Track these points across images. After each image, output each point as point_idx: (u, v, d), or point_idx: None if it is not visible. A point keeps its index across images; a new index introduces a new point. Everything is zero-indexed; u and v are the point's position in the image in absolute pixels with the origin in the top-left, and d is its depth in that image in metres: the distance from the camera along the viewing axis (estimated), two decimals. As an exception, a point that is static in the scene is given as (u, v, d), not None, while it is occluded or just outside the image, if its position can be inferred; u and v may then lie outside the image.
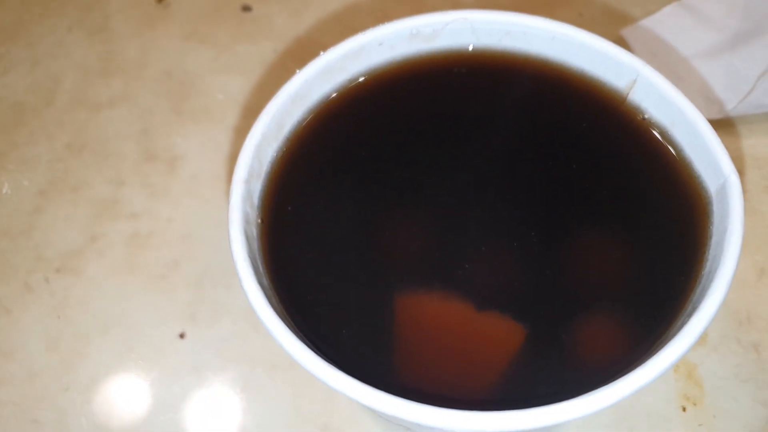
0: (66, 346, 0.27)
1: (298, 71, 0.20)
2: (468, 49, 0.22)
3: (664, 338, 0.17)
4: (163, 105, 0.34)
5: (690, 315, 0.16)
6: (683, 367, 0.25)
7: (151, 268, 0.29)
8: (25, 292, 0.29)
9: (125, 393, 0.26)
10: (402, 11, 0.36)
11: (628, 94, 0.20)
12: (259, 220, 0.19)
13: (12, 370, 0.27)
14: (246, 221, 0.17)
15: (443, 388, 0.17)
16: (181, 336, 0.27)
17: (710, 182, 0.18)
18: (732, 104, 0.29)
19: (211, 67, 0.35)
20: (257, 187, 0.19)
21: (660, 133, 0.20)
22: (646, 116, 0.20)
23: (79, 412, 0.26)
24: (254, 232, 0.18)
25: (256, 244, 0.18)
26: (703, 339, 0.25)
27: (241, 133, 0.33)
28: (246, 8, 0.38)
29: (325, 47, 0.35)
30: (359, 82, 0.21)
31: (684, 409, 0.24)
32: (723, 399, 0.24)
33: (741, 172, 0.29)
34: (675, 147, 0.20)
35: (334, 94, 0.21)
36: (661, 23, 0.32)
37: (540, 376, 0.17)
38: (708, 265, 0.17)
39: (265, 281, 0.17)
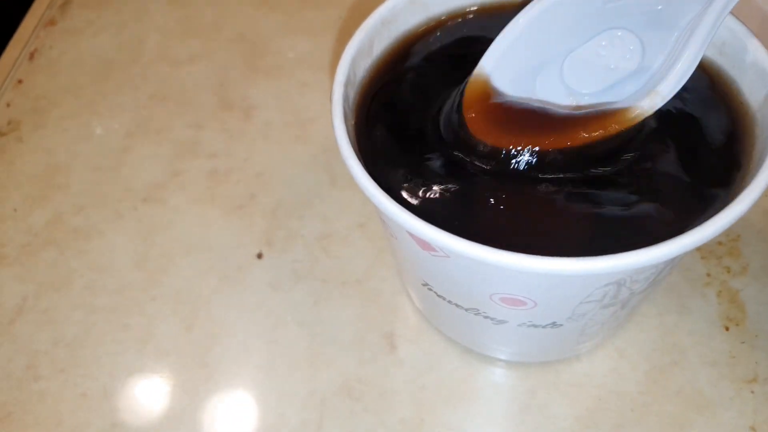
0: (152, 264, 0.30)
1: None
2: None
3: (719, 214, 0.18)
4: (238, 62, 0.37)
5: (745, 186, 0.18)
6: (726, 293, 0.27)
7: (229, 199, 0.32)
8: (116, 217, 0.32)
9: (207, 303, 0.29)
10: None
11: None
12: (352, 121, 0.21)
13: (105, 282, 0.30)
14: (346, 117, 0.20)
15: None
16: (259, 256, 0.30)
17: (758, 92, 0.20)
18: None
19: (281, 31, 0.39)
20: (351, 93, 0.22)
21: (713, 55, 0.22)
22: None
23: (165, 319, 0.28)
24: (350, 127, 0.21)
25: (352, 138, 0.20)
26: (744, 268, 0.27)
27: (309, 86, 0.36)
28: (312, -19, 0.41)
29: (385, 15, 0.39)
30: (442, 19, 0.24)
31: (727, 329, 0.26)
32: (764, 322, 0.26)
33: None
34: (723, 66, 0.22)
35: (417, 26, 0.24)
36: None
37: (605, 249, 0.18)
38: (757, 160, 0.19)
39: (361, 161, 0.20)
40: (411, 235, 0.18)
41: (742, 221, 0.29)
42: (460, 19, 0.25)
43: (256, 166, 0.33)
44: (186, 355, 0.27)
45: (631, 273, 0.18)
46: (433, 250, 0.18)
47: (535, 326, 0.21)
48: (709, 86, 0.22)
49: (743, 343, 0.25)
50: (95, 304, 0.29)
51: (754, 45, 0.20)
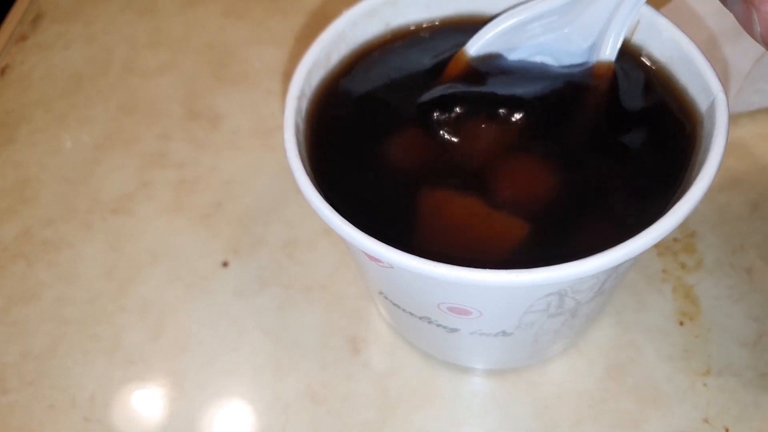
0: (121, 274, 0.31)
1: (344, 11, 0.23)
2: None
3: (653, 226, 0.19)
4: (206, 72, 0.38)
5: (680, 198, 0.18)
6: (680, 288, 0.27)
7: (196, 208, 0.32)
8: (85, 229, 0.32)
9: (173, 311, 0.29)
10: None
11: (632, 35, 0.23)
12: (307, 133, 0.22)
13: (74, 294, 0.30)
14: (297, 130, 0.21)
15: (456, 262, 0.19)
16: (224, 264, 0.30)
17: (702, 102, 0.21)
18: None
19: (248, 40, 0.39)
20: (305, 105, 0.22)
21: (659, 67, 0.23)
22: (644, 54, 0.23)
23: (133, 328, 0.29)
24: (302, 141, 0.21)
25: (304, 150, 0.21)
26: (698, 263, 0.28)
27: (275, 95, 0.36)
28: (279, -11, 0.42)
29: (351, 21, 0.39)
30: (397, 30, 0.24)
31: (681, 324, 0.26)
32: (718, 315, 0.26)
33: (737, 124, 0.32)
34: (673, 77, 0.22)
35: (375, 38, 0.24)
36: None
37: (547, 258, 0.19)
38: (698, 167, 0.19)
39: (311, 178, 0.20)
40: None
41: (698, 217, 0.29)
42: (419, 32, 0.25)
43: (223, 175, 0.33)
44: (153, 364, 0.28)
45: (566, 285, 0.18)
46: (378, 260, 0.19)
47: (486, 335, 0.21)
48: (660, 93, 0.22)
49: (697, 337, 0.26)
50: (64, 316, 0.29)
51: (698, 58, 0.21)
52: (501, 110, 0.22)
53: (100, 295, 0.30)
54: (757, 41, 0.17)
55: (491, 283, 0.17)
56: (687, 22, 0.33)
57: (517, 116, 0.22)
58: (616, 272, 0.20)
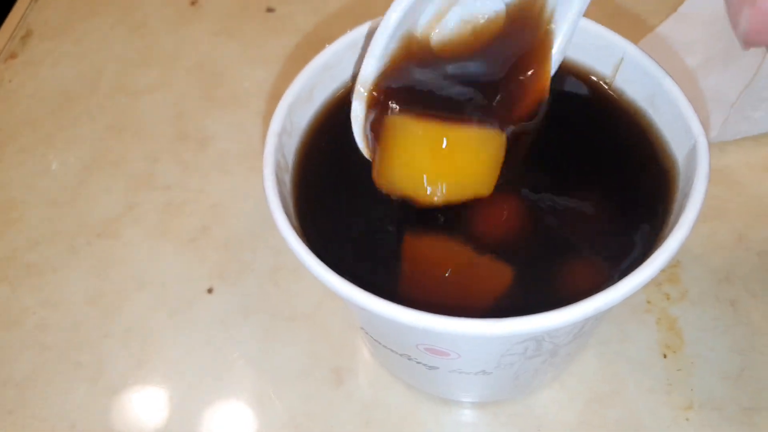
0: (105, 300, 0.30)
1: (327, 45, 0.23)
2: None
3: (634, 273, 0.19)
4: (195, 92, 0.38)
5: (659, 247, 0.18)
6: (665, 320, 0.27)
7: (182, 233, 0.32)
8: (70, 253, 0.32)
9: (157, 339, 0.29)
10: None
11: (616, 74, 0.23)
12: (290, 169, 0.21)
13: (57, 319, 0.30)
14: (278, 167, 0.20)
15: (441, 311, 0.19)
16: (209, 291, 0.30)
17: (683, 145, 0.21)
18: (714, 131, 0.31)
19: (238, 60, 0.39)
20: (289, 141, 0.22)
21: (641, 108, 0.23)
22: (628, 93, 0.23)
23: (116, 356, 0.28)
24: (285, 178, 0.21)
25: (287, 188, 0.21)
26: (683, 294, 0.28)
27: (265, 117, 0.36)
28: (270, 9, 0.41)
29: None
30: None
31: (665, 356, 0.26)
32: (701, 348, 0.26)
33: (724, 152, 0.32)
34: (653, 119, 0.22)
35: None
36: (649, 44, 0.34)
37: (527, 304, 0.19)
38: (677, 214, 0.19)
39: (292, 215, 0.20)
40: None
41: (682, 247, 0.29)
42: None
43: (210, 198, 0.33)
44: (136, 392, 0.27)
45: (539, 334, 0.18)
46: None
47: (466, 373, 0.21)
48: (641, 135, 0.22)
49: (680, 370, 0.26)
50: (46, 342, 0.29)
51: (680, 100, 0.21)
52: None
53: (84, 321, 0.30)
54: (738, 38, 0.16)
55: (462, 333, 0.17)
56: (665, 54, 0.33)
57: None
58: (595, 317, 0.20)
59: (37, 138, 0.37)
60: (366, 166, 0.22)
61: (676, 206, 0.20)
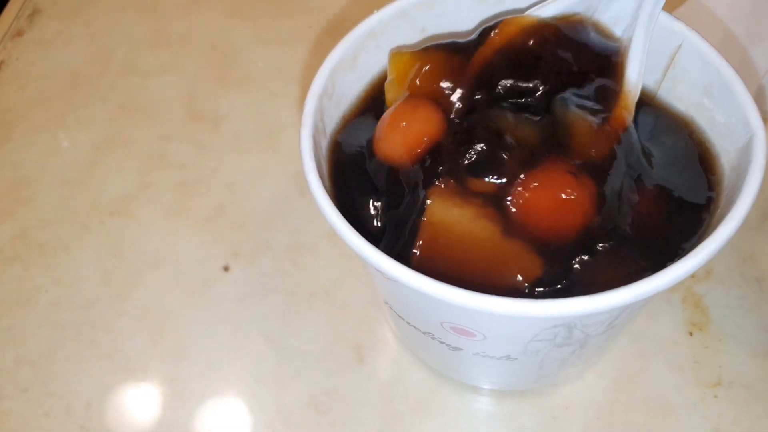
0: (119, 279, 0.30)
1: (375, 11, 0.22)
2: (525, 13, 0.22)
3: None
4: (208, 73, 0.37)
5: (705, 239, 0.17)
6: (690, 298, 0.27)
7: (197, 211, 0.32)
8: (83, 232, 0.31)
9: (174, 318, 0.28)
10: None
11: (674, 57, 0.22)
12: (328, 135, 0.21)
13: (72, 298, 0.29)
14: (316, 130, 0.20)
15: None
16: (225, 269, 0.30)
17: (738, 136, 0.20)
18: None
19: (251, 41, 0.38)
20: (329, 105, 0.21)
21: (694, 99, 0.21)
22: (683, 81, 0.22)
23: (132, 335, 0.28)
24: (322, 142, 0.20)
25: (322, 153, 0.20)
26: (708, 272, 0.27)
27: (279, 96, 0.36)
28: (283, -10, 0.41)
29: (355, 23, 0.39)
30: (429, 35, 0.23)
31: (691, 334, 0.26)
32: (727, 326, 0.26)
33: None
34: (709, 110, 0.21)
35: (409, 44, 0.23)
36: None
37: (553, 287, 0.18)
38: (725, 207, 0.19)
39: (326, 180, 0.19)
40: None
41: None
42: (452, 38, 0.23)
43: (225, 177, 0.33)
44: (152, 371, 0.27)
45: (574, 319, 0.18)
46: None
47: (490, 357, 0.21)
48: (689, 138, 0.21)
49: (707, 347, 0.25)
50: (61, 321, 0.29)
51: (739, 91, 0.20)
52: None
53: (98, 300, 0.29)
54: None
55: (493, 310, 0.16)
56: (702, 24, 0.33)
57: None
58: (630, 309, 0.19)
59: (48, 117, 0.36)
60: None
61: (723, 199, 0.19)
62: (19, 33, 0.40)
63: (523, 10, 0.23)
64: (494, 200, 0.19)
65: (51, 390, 0.27)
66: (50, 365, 0.27)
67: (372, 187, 0.21)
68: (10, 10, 0.41)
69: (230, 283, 0.29)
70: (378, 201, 0.21)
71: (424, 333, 0.21)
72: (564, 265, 0.19)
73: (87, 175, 0.34)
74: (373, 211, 0.20)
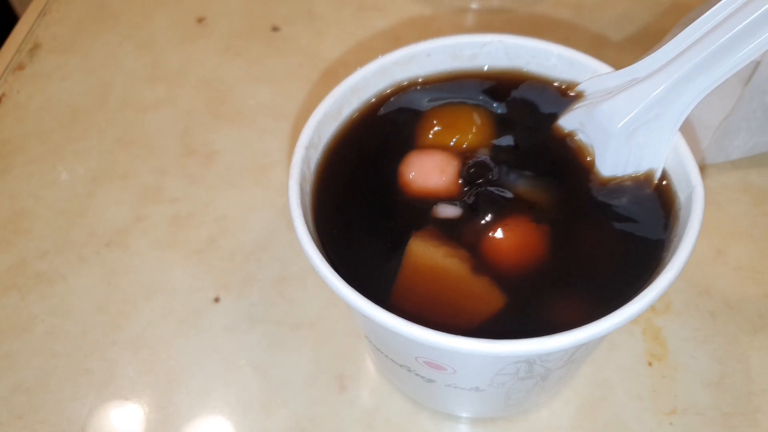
0: (114, 308, 0.31)
1: (359, 68, 0.25)
2: (501, 67, 0.25)
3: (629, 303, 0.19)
4: (202, 108, 0.39)
5: (654, 281, 0.19)
6: (650, 330, 0.29)
7: (189, 243, 0.33)
8: (79, 262, 0.33)
9: (166, 347, 0.30)
10: (412, 33, 0.42)
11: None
12: (311, 178, 0.23)
13: (67, 327, 0.31)
14: (302, 178, 0.22)
15: (437, 322, 0.20)
16: (216, 300, 0.31)
17: (684, 188, 0.22)
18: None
19: (244, 78, 0.40)
20: (314, 155, 0.23)
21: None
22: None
23: (126, 363, 0.29)
24: (306, 187, 0.22)
25: (308, 198, 0.22)
26: (667, 306, 0.29)
27: (270, 133, 0.38)
28: (275, 29, 0.43)
29: (344, 64, 0.41)
30: (405, 85, 0.26)
31: (650, 364, 0.28)
32: (684, 356, 0.28)
33: (704, 174, 0.34)
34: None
35: (388, 91, 0.25)
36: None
37: (522, 329, 0.20)
38: (671, 253, 0.20)
39: (310, 223, 0.21)
40: None
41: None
42: (419, 86, 0.26)
43: (216, 211, 0.35)
44: (145, 398, 0.28)
45: (532, 356, 0.19)
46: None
47: (461, 388, 0.22)
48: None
49: (664, 377, 0.27)
50: (56, 350, 0.30)
51: (682, 149, 0.22)
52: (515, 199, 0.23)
53: (93, 328, 0.31)
54: None
55: (459, 349, 0.18)
56: None
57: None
58: (585, 346, 0.21)
59: (46, 150, 0.38)
60: (382, 178, 0.23)
61: (672, 245, 0.21)
62: (20, 67, 0.42)
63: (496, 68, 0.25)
64: (467, 245, 0.22)
65: (45, 417, 0.28)
66: (45, 393, 0.28)
67: (355, 223, 0.23)
68: (12, 44, 0.43)
69: (220, 314, 0.31)
70: (360, 238, 0.22)
71: (400, 365, 0.23)
72: (524, 302, 0.21)
73: (84, 206, 0.35)
74: (353, 248, 0.22)
